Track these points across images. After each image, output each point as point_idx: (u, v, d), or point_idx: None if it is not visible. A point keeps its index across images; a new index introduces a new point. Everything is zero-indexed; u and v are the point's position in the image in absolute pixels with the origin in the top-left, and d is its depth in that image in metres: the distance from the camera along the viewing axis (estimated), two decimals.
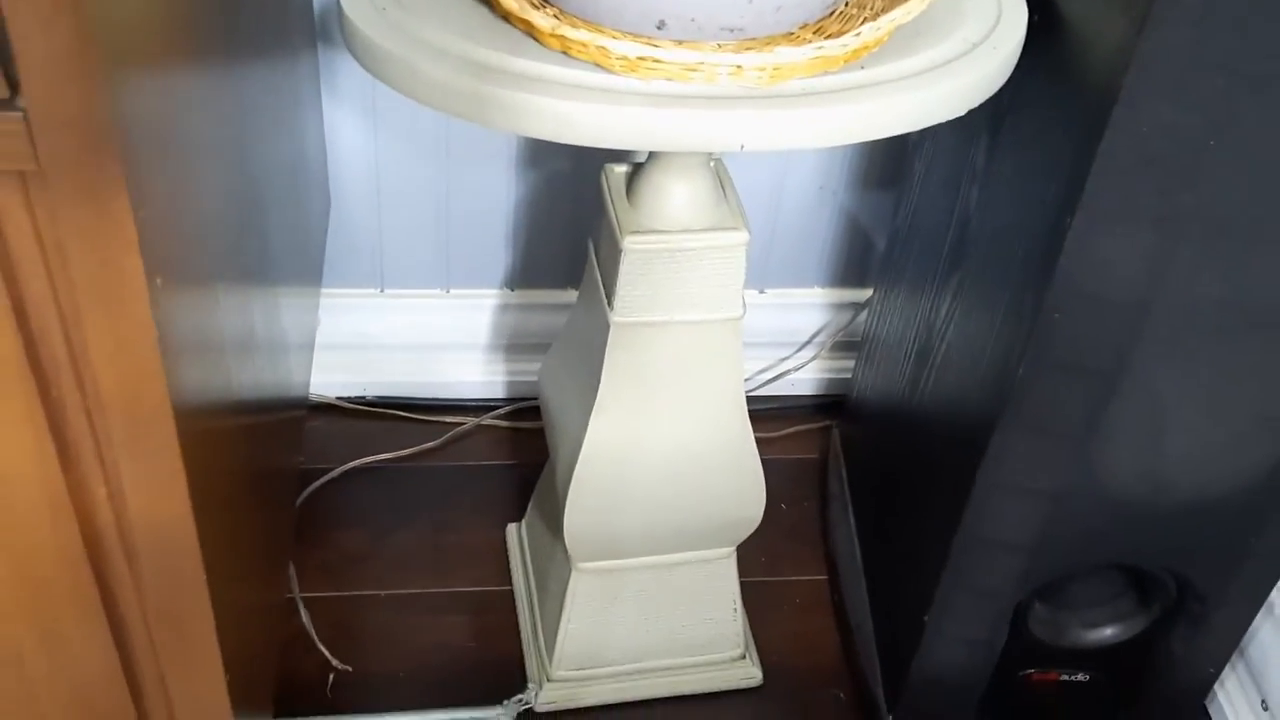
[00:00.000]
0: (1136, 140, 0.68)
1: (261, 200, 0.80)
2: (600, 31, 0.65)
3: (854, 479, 1.19)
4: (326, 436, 1.24)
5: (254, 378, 0.78)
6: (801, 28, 0.70)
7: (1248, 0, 0.63)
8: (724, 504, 0.96)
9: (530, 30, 0.67)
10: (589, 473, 0.90)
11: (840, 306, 1.31)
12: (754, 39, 0.68)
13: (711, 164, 0.84)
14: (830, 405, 1.32)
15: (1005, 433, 0.82)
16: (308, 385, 1.15)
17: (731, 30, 0.67)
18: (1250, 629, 1.00)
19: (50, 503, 0.58)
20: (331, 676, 1.05)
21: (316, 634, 1.07)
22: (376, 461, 1.23)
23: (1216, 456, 0.83)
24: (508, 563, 1.15)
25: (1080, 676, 1.00)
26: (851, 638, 1.10)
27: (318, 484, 1.20)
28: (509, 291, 1.26)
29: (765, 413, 1.26)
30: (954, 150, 0.94)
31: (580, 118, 0.64)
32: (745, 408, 0.91)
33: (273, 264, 0.85)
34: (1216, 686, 1.08)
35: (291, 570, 1.11)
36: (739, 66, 0.64)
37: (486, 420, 1.29)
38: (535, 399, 1.15)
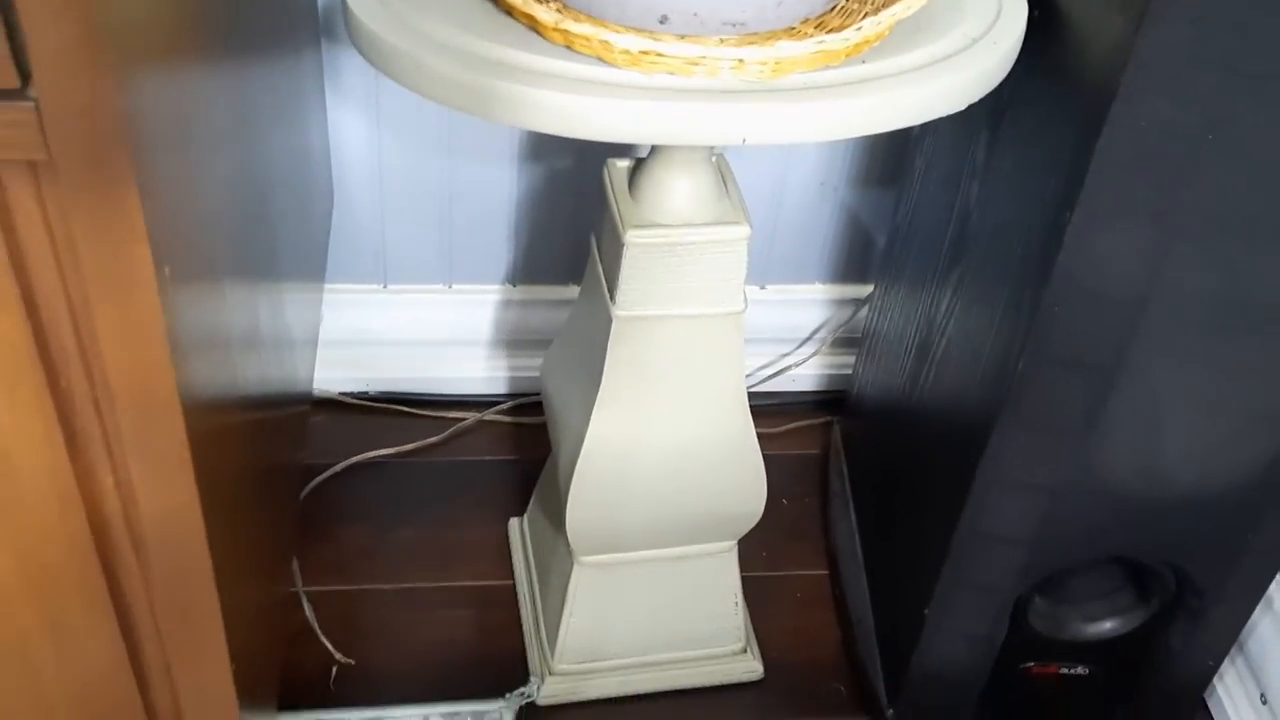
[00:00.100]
0: (1135, 136, 0.68)
1: (266, 195, 0.81)
2: (603, 26, 0.66)
3: (855, 474, 1.19)
4: (329, 432, 1.25)
5: (259, 372, 0.79)
6: (803, 22, 0.70)
7: None
8: (725, 498, 0.96)
9: (533, 24, 0.67)
10: (591, 467, 0.91)
11: (841, 303, 1.31)
12: (755, 34, 0.68)
13: (713, 159, 0.85)
14: (831, 401, 1.33)
15: (1005, 428, 0.82)
16: (311, 381, 1.15)
17: (733, 25, 0.67)
18: (1249, 623, 1.01)
19: (58, 492, 0.58)
20: (335, 670, 1.06)
21: (320, 628, 1.08)
22: (379, 457, 1.24)
23: (1214, 451, 0.83)
24: (510, 557, 1.16)
25: (1080, 670, 1.00)
26: (852, 632, 1.11)
27: (321, 479, 1.21)
28: (511, 287, 1.27)
29: (766, 408, 1.26)
30: (954, 147, 0.94)
31: (583, 111, 0.65)
32: (746, 402, 0.92)
33: (278, 259, 0.86)
34: (1216, 680, 1.08)
35: (295, 565, 1.11)
36: (741, 61, 0.65)
37: (489, 415, 1.29)
38: (537, 394, 1.16)
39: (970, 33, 0.73)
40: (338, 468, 1.22)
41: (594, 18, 0.67)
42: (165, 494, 0.59)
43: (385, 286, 1.25)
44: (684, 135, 0.67)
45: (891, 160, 1.21)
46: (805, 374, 1.34)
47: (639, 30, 0.66)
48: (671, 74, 0.66)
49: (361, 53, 0.70)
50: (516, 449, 1.27)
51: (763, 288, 1.29)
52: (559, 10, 0.67)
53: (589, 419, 0.89)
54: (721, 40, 0.67)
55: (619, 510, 0.94)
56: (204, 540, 0.61)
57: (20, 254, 0.50)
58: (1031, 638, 0.96)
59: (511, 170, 1.18)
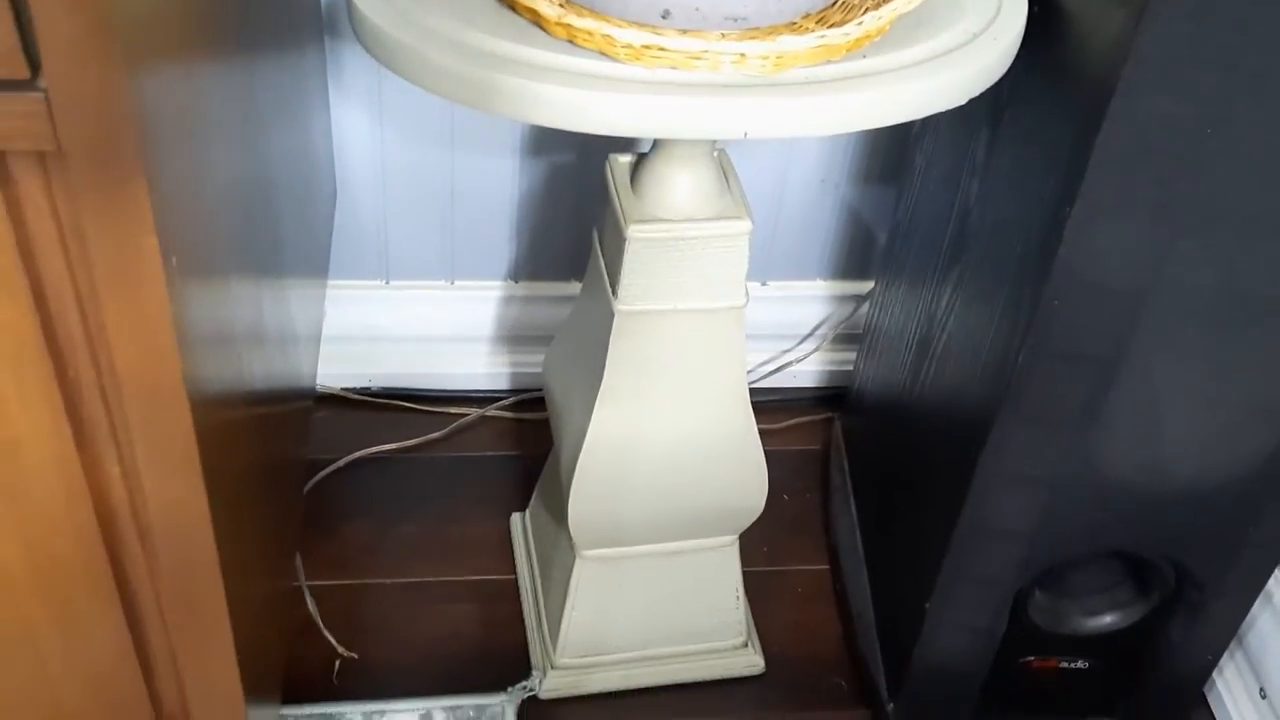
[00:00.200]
0: (1134, 131, 0.69)
1: (271, 191, 0.81)
2: (606, 20, 0.66)
3: (856, 470, 1.20)
4: (332, 427, 1.25)
5: (264, 366, 0.79)
6: (804, 17, 0.71)
7: None
8: (727, 492, 0.97)
9: (536, 19, 0.68)
10: (593, 460, 0.91)
11: (842, 299, 1.32)
12: (757, 28, 0.69)
13: (715, 154, 0.85)
14: (832, 397, 1.33)
15: (1005, 422, 0.82)
16: (315, 376, 1.16)
17: (735, 19, 0.68)
18: (1249, 618, 1.01)
19: (65, 481, 0.59)
20: (338, 664, 1.06)
21: (323, 622, 1.08)
22: (382, 452, 1.24)
23: (1214, 445, 0.84)
24: (512, 552, 1.16)
25: (1080, 664, 1.01)
26: (853, 626, 1.11)
27: (324, 474, 1.21)
28: (513, 283, 1.27)
29: (767, 404, 1.27)
30: (954, 143, 0.95)
31: (586, 106, 0.65)
32: (748, 396, 0.92)
33: (282, 254, 0.86)
34: (1215, 674, 1.09)
35: (298, 559, 1.12)
36: (742, 55, 0.65)
37: (491, 411, 1.30)
38: (539, 390, 1.16)
39: (970, 28, 0.73)
40: (340, 463, 1.22)
41: (597, 13, 0.67)
42: (171, 484, 0.59)
43: (388, 282, 1.26)
44: (686, 129, 0.67)
45: (892, 157, 1.21)
46: (806, 370, 1.35)
47: (641, 25, 0.67)
48: (673, 68, 0.66)
49: (365, 47, 0.70)
50: (518, 444, 1.27)
51: (764, 284, 1.29)
52: (562, 5, 0.68)
53: (591, 413, 0.89)
54: (723, 35, 0.67)
55: (621, 504, 0.95)
56: (210, 531, 0.62)
57: (29, 244, 0.50)
58: (1032, 632, 0.97)
59: (514, 167, 1.18)
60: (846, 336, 1.33)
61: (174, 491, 0.59)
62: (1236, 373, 0.80)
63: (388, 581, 1.13)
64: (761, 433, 0.94)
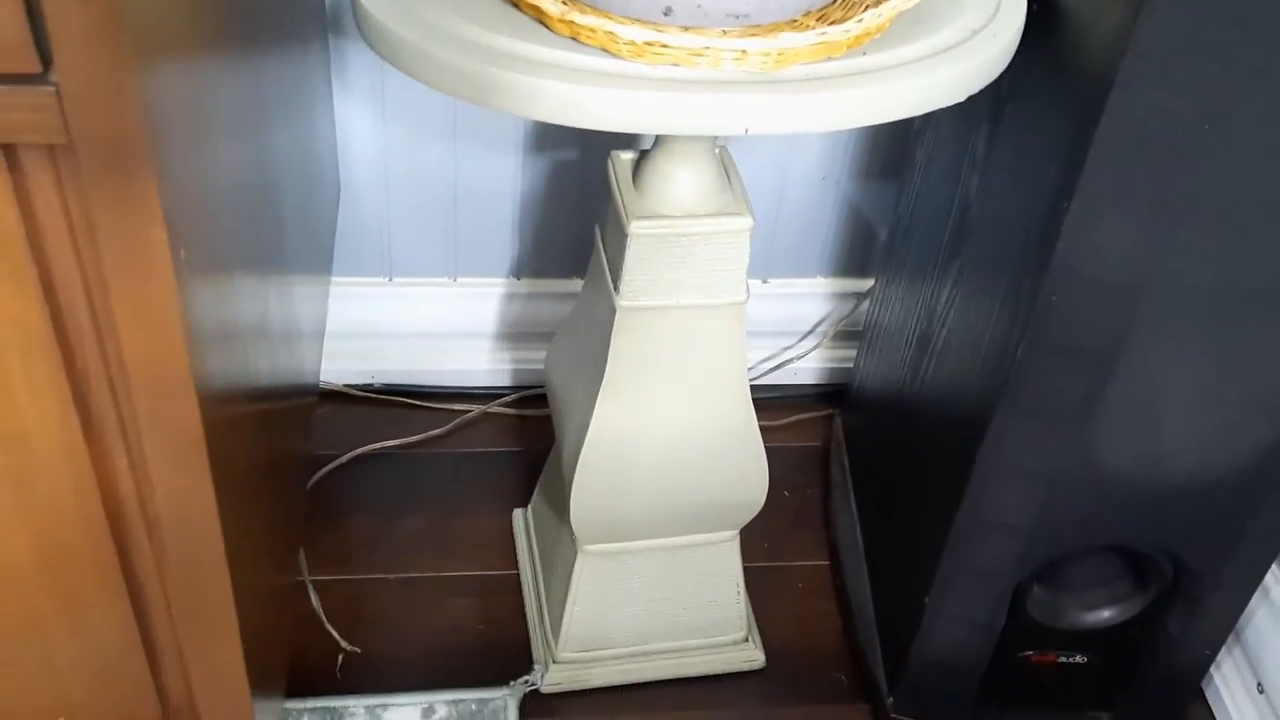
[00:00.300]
0: (1133, 125, 0.69)
1: (276, 187, 0.82)
2: (608, 17, 0.67)
3: (856, 466, 1.20)
4: (335, 423, 1.26)
5: (269, 360, 0.80)
6: (805, 14, 0.71)
7: None
8: (727, 487, 0.97)
9: (539, 16, 0.68)
10: (595, 455, 0.92)
11: (843, 296, 1.32)
12: (758, 25, 0.69)
13: (716, 151, 0.86)
14: (833, 394, 1.34)
15: (1004, 416, 0.83)
16: (318, 372, 1.16)
17: (736, 16, 0.68)
18: (1246, 613, 1.02)
19: (74, 472, 0.59)
20: (341, 658, 1.07)
21: (326, 616, 1.09)
22: (384, 448, 1.25)
23: (1211, 439, 0.84)
24: (514, 547, 1.17)
25: (1078, 658, 1.01)
26: (853, 621, 1.12)
27: (326, 470, 1.22)
28: (516, 280, 1.28)
29: (768, 401, 1.28)
30: (955, 139, 0.95)
31: (588, 102, 0.66)
32: (749, 392, 0.93)
33: (286, 250, 0.87)
34: (1213, 669, 1.09)
35: (301, 554, 1.12)
36: (744, 51, 0.66)
37: (493, 408, 1.30)
38: (541, 386, 1.16)
39: (970, 25, 0.74)
40: (343, 459, 1.23)
41: (599, 10, 0.68)
42: (178, 476, 0.60)
43: (390, 279, 1.26)
44: (687, 125, 0.68)
45: (893, 154, 1.22)
46: (807, 367, 1.35)
47: (644, 22, 0.67)
48: (675, 65, 0.67)
49: (370, 43, 0.71)
50: (520, 441, 1.28)
51: (765, 281, 1.30)
52: (565, 2, 0.68)
53: (593, 408, 0.90)
54: (724, 32, 0.68)
55: (623, 498, 0.95)
56: (217, 523, 0.62)
57: (39, 236, 0.51)
58: (1030, 626, 0.97)
59: (516, 164, 1.19)
60: (847, 333, 1.33)
61: (181, 483, 0.60)
62: (1234, 367, 0.80)
63: (390, 576, 1.14)
64: (762, 429, 0.95)
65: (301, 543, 1.13)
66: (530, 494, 1.18)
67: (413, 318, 1.28)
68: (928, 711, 1.03)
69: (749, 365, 1.15)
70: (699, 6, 0.67)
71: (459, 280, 1.27)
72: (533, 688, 1.06)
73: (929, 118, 1.02)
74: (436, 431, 1.27)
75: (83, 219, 0.50)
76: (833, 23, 0.70)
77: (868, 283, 1.30)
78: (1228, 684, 1.09)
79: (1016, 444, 0.84)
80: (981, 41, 0.73)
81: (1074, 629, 0.98)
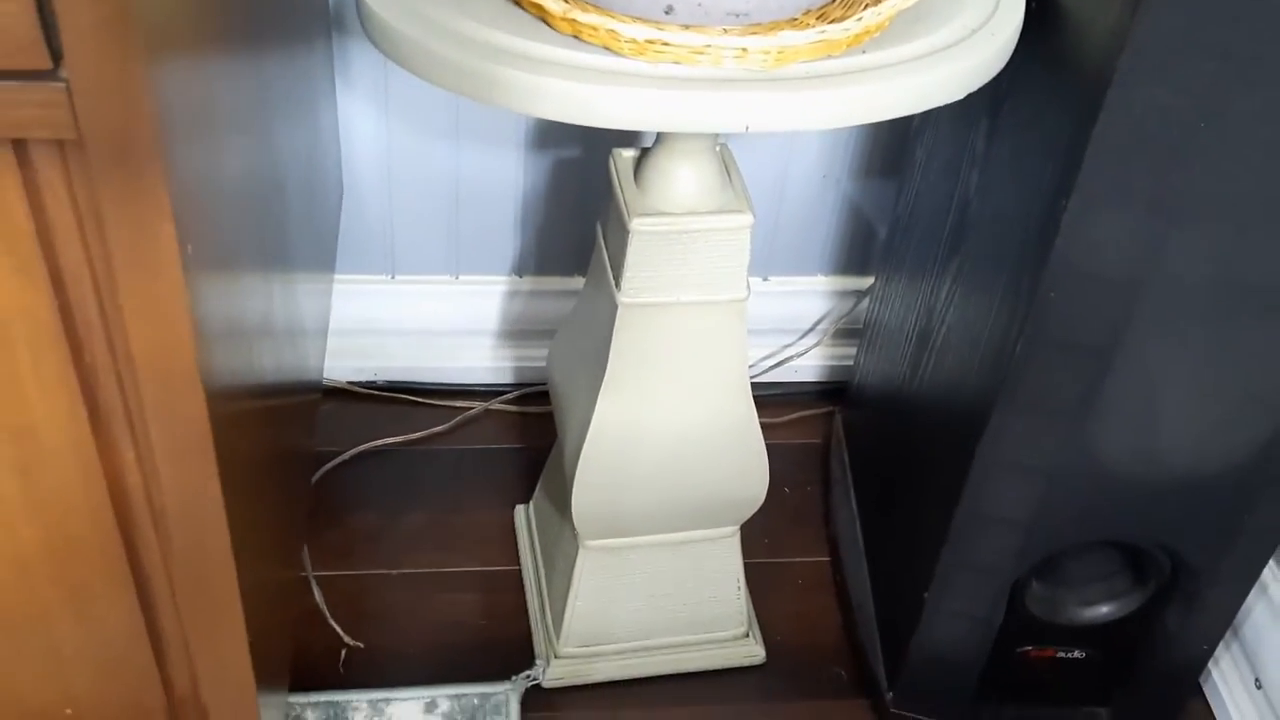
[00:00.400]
0: (1130, 123, 0.70)
1: (280, 184, 0.82)
2: (610, 15, 0.67)
3: (856, 463, 1.21)
4: (338, 420, 1.27)
5: (274, 356, 0.81)
6: (805, 13, 0.72)
7: None
8: (728, 483, 0.98)
9: (542, 14, 0.69)
10: (596, 451, 0.92)
11: (843, 294, 1.33)
12: (758, 24, 0.70)
13: (717, 148, 0.86)
14: (833, 391, 1.34)
15: (1003, 412, 0.83)
16: (321, 369, 1.17)
17: (737, 15, 0.69)
18: (1244, 608, 1.02)
19: (81, 465, 0.60)
20: (344, 653, 1.08)
21: (329, 612, 1.10)
22: (387, 445, 1.25)
23: (1209, 435, 0.85)
24: (515, 543, 1.18)
25: (1077, 654, 1.01)
26: (852, 617, 1.12)
27: (329, 466, 1.22)
28: (518, 278, 1.28)
29: (769, 399, 1.28)
30: (954, 137, 0.96)
31: (591, 99, 0.66)
32: (749, 388, 0.93)
33: (290, 247, 0.88)
34: (1211, 665, 1.10)
35: (305, 550, 1.13)
36: (744, 49, 0.67)
37: (495, 405, 1.31)
38: (543, 384, 1.17)
39: (969, 23, 0.74)
40: (346, 455, 1.24)
41: (601, 8, 0.69)
42: (185, 469, 0.60)
43: (393, 277, 1.27)
44: (688, 122, 0.68)
45: (892, 152, 1.22)
46: (807, 365, 1.36)
47: (645, 20, 0.68)
48: (676, 63, 0.67)
49: (374, 42, 0.72)
50: (522, 438, 1.28)
51: (765, 279, 1.31)
52: (567, 1, 0.69)
53: (595, 404, 0.90)
54: (725, 30, 0.69)
55: (624, 494, 0.96)
56: (223, 516, 0.62)
57: (48, 231, 0.51)
58: (1029, 622, 0.98)
59: (518, 163, 1.19)
60: (847, 331, 1.34)
61: (188, 476, 0.60)
62: (1231, 362, 0.81)
63: (393, 572, 1.15)
64: (763, 426, 0.96)
65: (305, 538, 1.13)
66: (532, 491, 1.19)
67: (415, 315, 1.28)
68: (927, 706, 1.04)
69: (750, 362, 1.15)
70: (700, 5, 0.68)
71: (461, 278, 1.28)
72: (534, 682, 1.06)
73: (928, 116, 1.02)
74: (439, 428, 1.28)
75: (91, 214, 0.51)
76: (832, 21, 0.70)
77: (868, 280, 1.31)
78: (1225, 679, 1.10)
79: (1015, 440, 0.85)
80: (980, 40, 0.73)
81: (1072, 624, 0.99)
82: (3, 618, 0.67)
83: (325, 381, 1.27)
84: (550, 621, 1.08)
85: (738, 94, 0.67)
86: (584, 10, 0.68)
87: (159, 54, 0.48)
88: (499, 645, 1.09)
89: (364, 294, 1.26)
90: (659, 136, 0.85)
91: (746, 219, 0.84)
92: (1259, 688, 1.06)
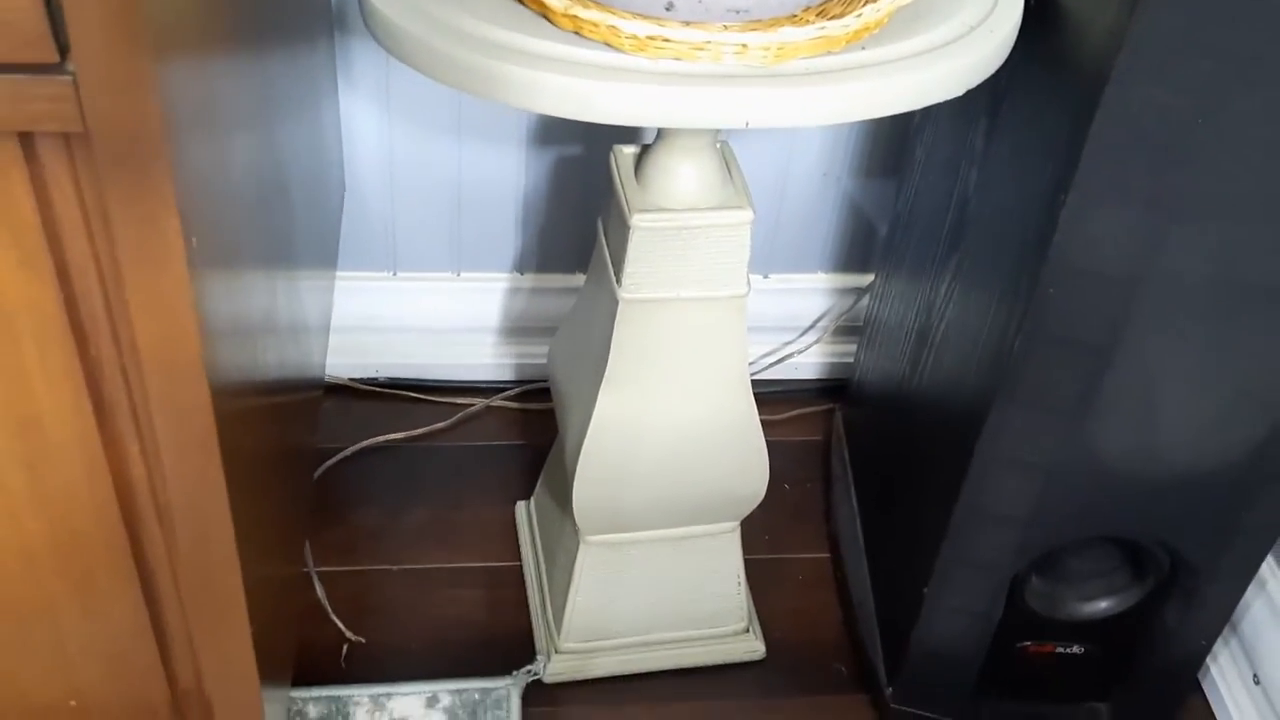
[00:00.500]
0: (1128, 120, 0.70)
1: (283, 181, 0.83)
2: (611, 12, 0.68)
3: (856, 459, 1.21)
4: (340, 417, 1.27)
5: (277, 352, 0.81)
6: (805, 10, 0.72)
7: None
8: (728, 478, 0.98)
9: (543, 10, 0.69)
10: (597, 446, 0.93)
11: (843, 291, 1.33)
12: (759, 20, 0.70)
13: (718, 145, 0.87)
14: (833, 388, 1.35)
15: (1002, 408, 0.84)
16: (324, 366, 1.17)
17: (737, 12, 0.69)
18: (1242, 604, 1.03)
19: (86, 458, 0.60)
20: (346, 648, 1.08)
21: (331, 607, 1.10)
22: (389, 441, 1.26)
23: (1207, 431, 0.85)
24: (517, 539, 1.18)
25: (1075, 649, 1.02)
26: (853, 613, 1.13)
27: (331, 463, 1.23)
28: (519, 275, 1.29)
29: (769, 396, 1.28)
30: (954, 134, 0.96)
31: (592, 95, 0.67)
32: (749, 384, 0.93)
33: (293, 244, 0.88)
34: (1209, 660, 1.10)
35: (307, 546, 1.13)
36: (744, 46, 0.67)
37: (496, 402, 1.31)
38: (544, 381, 1.17)
39: (968, 21, 0.75)
40: (348, 452, 1.24)
41: (602, 5, 0.69)
42: (189, 463, 0.60)
43: (395, 274, 1.27)
44: (688, 118, 0.69)
45: (893, 150, 1.23)
46: (808, 362, 1.36)
47: (646, 16, 0.68)
48: (677, 59, 0.68)
49: (376, 38, 0.72)
50: (523, 434, 1.29)
51: (766, 277, 1.31)
52: None
53: (595, 400, 0.91)
54: (725, 27, 0.69)
55: (624, 489, 0.96)
56: (227, 510, 0.63)
57: (54, 224, 0.52)
58: (1028, 617, 0.98)
59: (520, 160, 1.20)
60: (847, 328, 1.34)
61: (192, 470, 0.61)
62: (1230, 359, 0.81)
63: (394, 568, 1.15)
64: (764, 423, 0.96)
65: (307, 534, 1.14)
66: (533, 487, 1.19)
67: (417, 312, 1.29)
68: (927, 702, 1.04)
69: (750, 359, 1.16)
70: (700, 1, 0.68)
71: (463, 275, 1.28)
72: (535, 677, 1.07)
73: (928, 114, 1.03)
74: (440, 425, 1.28)
75: (97, 207, 0.51)
76: (832, 18, 0.71)
77: (868, 278, 1.31)
78: (1224, 675, 1.10)
79: (1014, 436, 0.85)
80: (979, 36, 0.74)
81: (1072, 620, 0.99)
82: (8, 611, 0.67)
83: (327, 378, 1.28)
84: (551, 617, 1.09)
85: (738, 90, 0.67)
86: (585, 6, 0.68)
87: (165, 49, 0.48)
88: (500, 640, 1.10)
89: (366, 291, 1.27)
90: (660, 133, 0.85)
91: (747, 215, 0.85)
92: (1257, 683, 1.06)
